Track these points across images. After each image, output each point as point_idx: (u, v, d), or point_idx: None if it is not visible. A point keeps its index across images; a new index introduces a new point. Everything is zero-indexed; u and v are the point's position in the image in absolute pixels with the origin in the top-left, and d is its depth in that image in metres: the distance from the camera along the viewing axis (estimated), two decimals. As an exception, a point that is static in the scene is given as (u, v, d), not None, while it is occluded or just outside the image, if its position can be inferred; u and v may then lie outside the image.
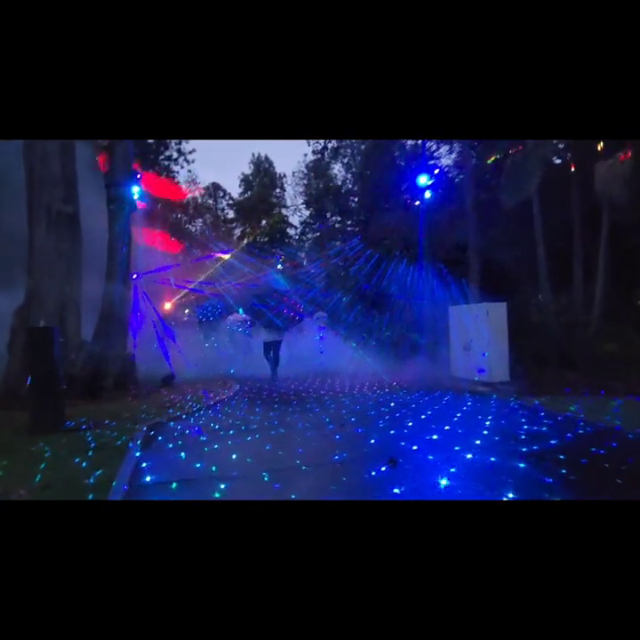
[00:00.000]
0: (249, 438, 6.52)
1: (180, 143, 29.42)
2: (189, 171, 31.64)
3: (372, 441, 6.12)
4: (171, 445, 6.20)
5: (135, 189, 11.65)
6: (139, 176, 12.02)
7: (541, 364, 10.90)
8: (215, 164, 56.51)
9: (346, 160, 31.57)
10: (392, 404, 8.89)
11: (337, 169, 32.46)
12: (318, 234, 32.61)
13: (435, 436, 6.18)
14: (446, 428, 6.68)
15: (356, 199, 30.38)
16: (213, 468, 5.09)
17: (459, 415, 7.59)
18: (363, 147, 28.46)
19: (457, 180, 20.93)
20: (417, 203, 14.77)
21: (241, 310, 18.60)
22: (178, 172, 30.59)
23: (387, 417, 7.68)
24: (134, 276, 14.89)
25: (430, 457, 5.24)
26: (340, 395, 10.45)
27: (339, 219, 32.47)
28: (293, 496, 4.18)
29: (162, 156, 29.18)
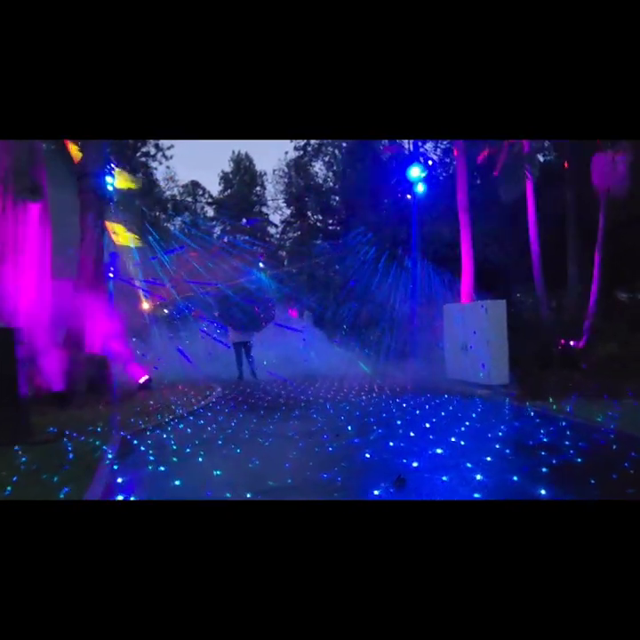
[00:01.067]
0: (237, 451, 5.86)
1: (157, 138, 28.53)
2: (168, 167, 30.84)
3: (368, 455, 5.47)
4: (146, 459, 5.55)
5: (109, 180, 10.82)
6: (113, 165, 11.20)
7: (540, 364, 10.41)
8: (194, 162, 55.51)
9: (327, 158, 31.25)
10: (391, 411, 8.21)
11: (318, 167, 32.20)
12: (299, 232, 32.17)
13: (439, 450, 5.50)
14: (452, 439, 6.01)
15: (338, 198, 30.09)
16: (177, 482, 4.57)
17: (467, 423, 6.91)
18: (344, 144, 28.06)
19: (442, 177, 20.54)
20: (408, 196, 14.20)
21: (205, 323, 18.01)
22: (156, 169, 29.78)
23: (384, 425, 7.02)
24: (111, 275, 14.09)
25: (444, 478, 4.55)
26: (332, 400, 9.72)
27: (320, 217, 32.13)
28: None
29: (139, 153, 28.28)
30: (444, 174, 21.20)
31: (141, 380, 11.14)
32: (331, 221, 31.11)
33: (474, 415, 7.60)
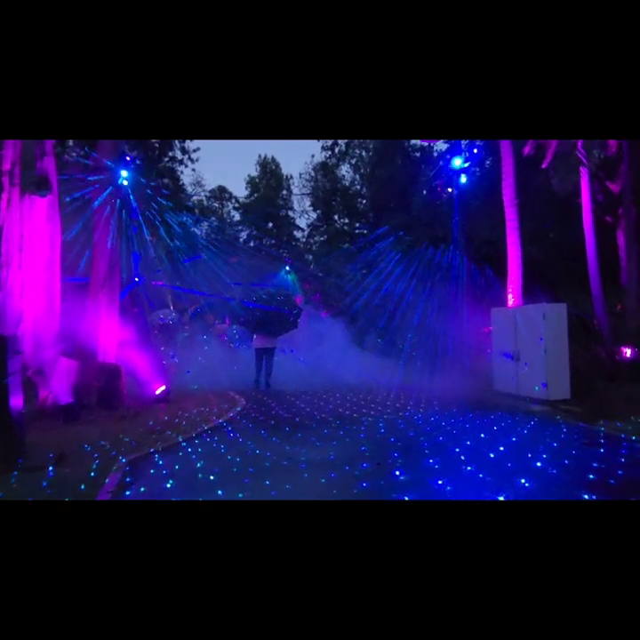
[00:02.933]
0: (265, 482, 4.86)
1: (183, 141, 27.98)
2: (193, 170, 30.31)
3: (407, 498, 4.33)
4: (156, 489, 4.67)
5: (123, 174, 9.97)
6: (128, 158, 10.35)
7: (604, 377, 9.14)
8: (221, 166, 55.32)
9: (354, 161, 30.65)
10: (440, 434, 7.05)
11: (345, 170, 31.61)
12: (326, 237, 31.54)
13: (501, 498, 4.25)
14: (522, 480, 4.72)
15: (365, 201, 29.42)
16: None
17: (543, 456, 5.57)
18: (372, 144, 27.37)
19: (477, 174, 19.34)
20: (450, 189, 13.06)
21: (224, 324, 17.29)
22: (182, 172, 29.21)
23: (434, 453, 5.85)
24: (136, 279, 13.36)
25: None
26: (370, 416, 8.56)
27: (347, 220, 31.48)
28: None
29: (166, 158, 27.77)
30: (478, 172, 20.08)
31: (158, 391, 10.24)
32: (357, 224, 30.42)
33: (532, 440, 6.27)
